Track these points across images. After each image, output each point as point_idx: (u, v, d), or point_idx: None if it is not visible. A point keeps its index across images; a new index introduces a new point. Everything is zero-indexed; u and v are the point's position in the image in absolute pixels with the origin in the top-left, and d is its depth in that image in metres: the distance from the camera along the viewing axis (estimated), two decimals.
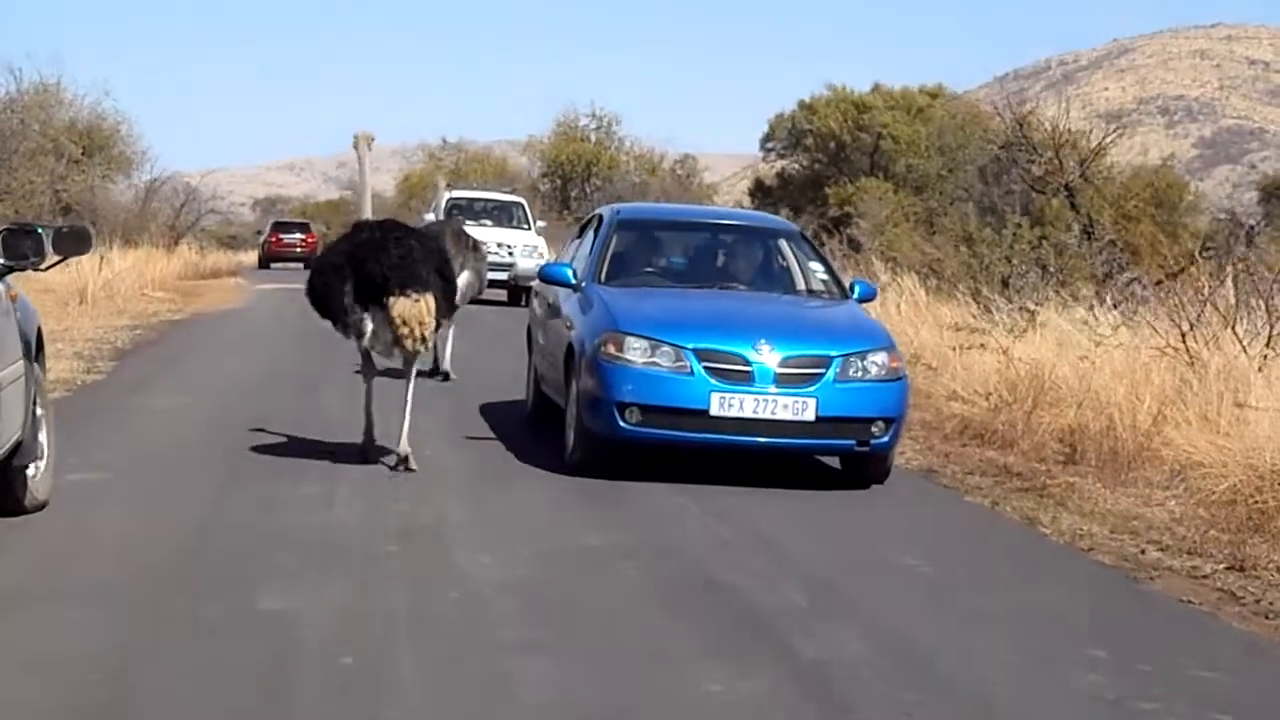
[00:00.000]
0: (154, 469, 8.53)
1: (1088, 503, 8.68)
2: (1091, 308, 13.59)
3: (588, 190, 52.40)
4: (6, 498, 6.87)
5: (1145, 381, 10.38)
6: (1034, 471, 9.58)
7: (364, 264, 8.55)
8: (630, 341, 8.69)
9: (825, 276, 10.29)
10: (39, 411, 7.10)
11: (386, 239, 8.68)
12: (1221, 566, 7.14)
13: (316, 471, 8.55)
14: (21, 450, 6.72)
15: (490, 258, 18.94)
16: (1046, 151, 21.31)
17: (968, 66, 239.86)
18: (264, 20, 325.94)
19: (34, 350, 7.00)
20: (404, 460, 8.66)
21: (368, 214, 9.73)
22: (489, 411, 11.45)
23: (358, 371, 9.25)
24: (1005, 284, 16.21)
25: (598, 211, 11.23)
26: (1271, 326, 10.84)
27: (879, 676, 5.23)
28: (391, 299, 8.48)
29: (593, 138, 55.19)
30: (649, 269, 10.34)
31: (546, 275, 10.30)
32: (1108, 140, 22.83)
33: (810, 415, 8.54)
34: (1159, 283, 14.76)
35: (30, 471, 6.90)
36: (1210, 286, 11.99)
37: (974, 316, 14.65)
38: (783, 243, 10.59)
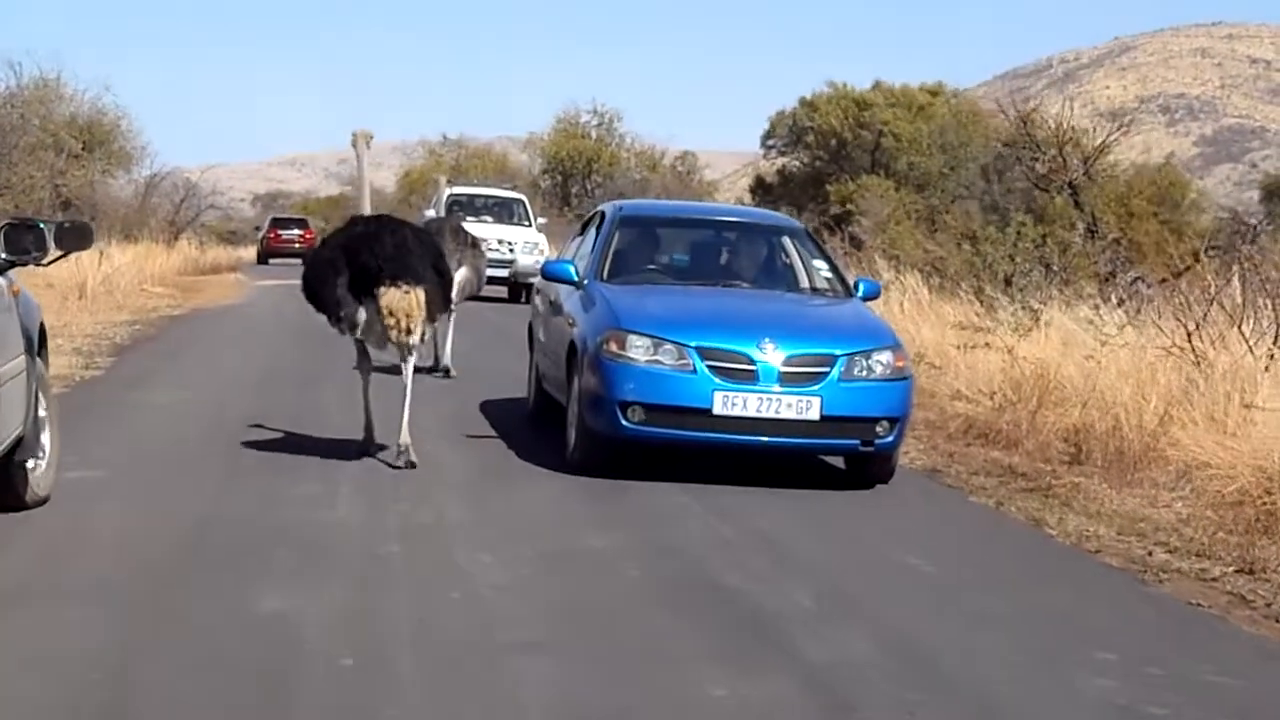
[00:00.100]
0: (153, 465, 8.49)
1: (1094, 504, 8.62)
2: (1097, 307, 13.51)
3: (588, 187, 52.38)
4: (7, 493, 6.83)
5: (1151, 381, 10.31)
6: (1039, 472, 9.51)
7: (358, 255, 8.55)
8: (633, 339, 8.63)
9: (829, 274, 10.22)
10: (42, 407, 7.08)
11: (381, 232, 8.68)
12: (1231, 569, 7.07)
13: (316, 469, 8.50)
14: (23, 446, 6.70)
15: (491, 254, 18.94)
16: (1050, 149, 21.25)
17: (968, 64, 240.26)
18: (266, 16, 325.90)
19: (36, 345, 6.97)
20: (405, 451, 8.63)
21: (367, 211, 9.70)
22: (490, 409, 11.39)
23: (355, 368, 9.21)
24: (1008, 282, 16.15)
25: (600, 208, 11.17)
26: (1279, 326, 10.76)
27: (884, 678, 5.18)
28: (382, 289, 8.48)
29: (593, 134, 55.16)
30: (652, 266, 10.28)
31: (549, 272, 10.23)
32: (1112, 138, 22.77)
33: (814, 414, 8.48)
34: (1163, 281, 14.71)
35: (30, 465, 6.87)
36: (1216, 286, 11.91)
37: (977, 315, 14.58)
38: (786, 240, 10.52)
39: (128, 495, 7.58)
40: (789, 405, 8.45)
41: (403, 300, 8.49)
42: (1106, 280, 16.27)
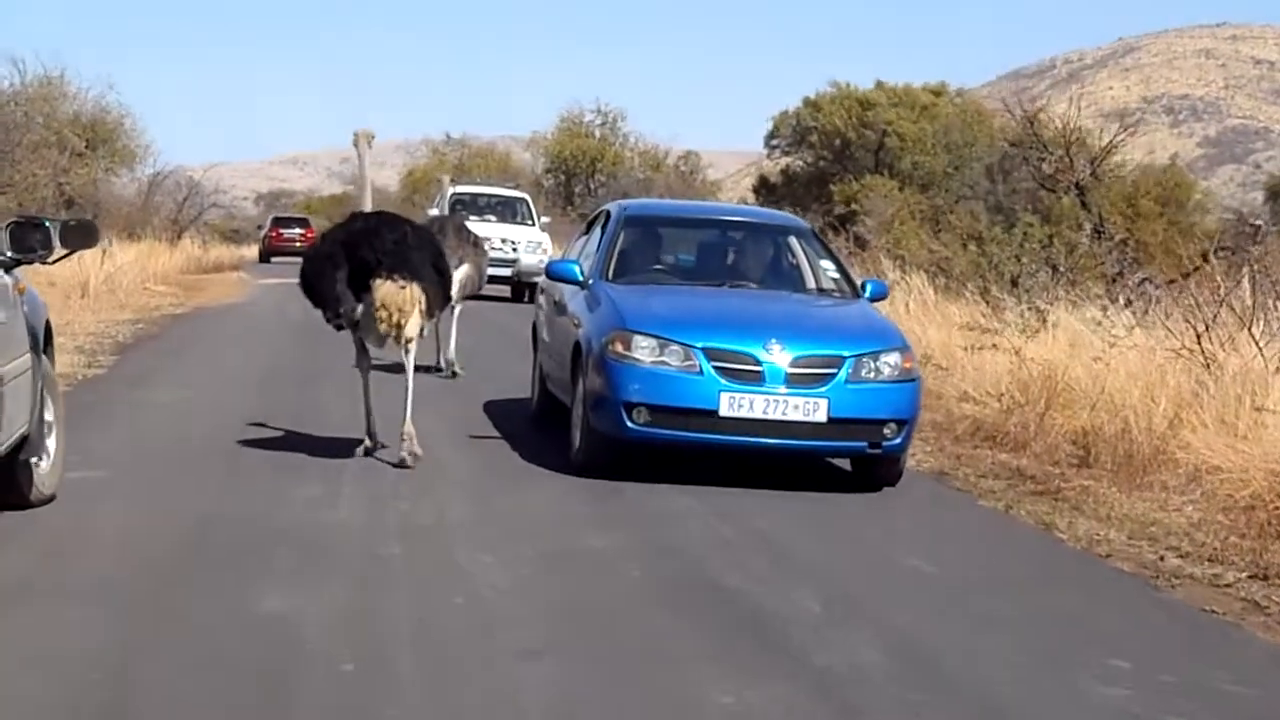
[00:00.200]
0: (155, 464, 8.43)
1: (1103, 507, 8.53)
2: (1104, 308, 13.42)
3: (591, 186, 52.37)
4: (12, 491, 6.79)
5: (1160, 383, 10.21)
6: (1047, 475, 9.43)
7: (357, 250, 8.52)
8: (638, 340, 8.55)
9: (836, 274, 10.14)
10: (50, 405, 7.05)
11: (380, 227, 8.65)
12: (1244, 575, 6.98)
13: (318, 468, 8.44)
14: (28, 444, 6.67)
15: (494, 254, 18.89)
16: (1057, 149, 21.17)
17: (971, 65, 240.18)
18: (269, 15, 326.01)
19: (42, 343, 6.94)
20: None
21: (368, 210, 9.64)
22: (493, 409, 11.32)
23: (355, 366, 9.16)
24: (1014, 283, 16.07)
25: (605, 207, 11.09)
26: None
27: (891, 682, 5.11)
28: (377, 282, 8.43)
29: (597, 134, 55.13)
30: (657, 266, 10.21)
31: (554, 272, 10.15)
32: (1119, 139, 22.68)
33: (821, 416, 8.40)
34: (1171, 282, 14.62)
35: (35, 461, 6.82)
36: (1226, 287, 11.82)
37: (984, 316, 14.50)
38: (793, 240, 10.44)
39: (129, 494, 7.54)
40: (796, 407, 8.37)
41: (397, 295, 8.45)
42: (1114, 281, 16.19)
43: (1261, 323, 11.02)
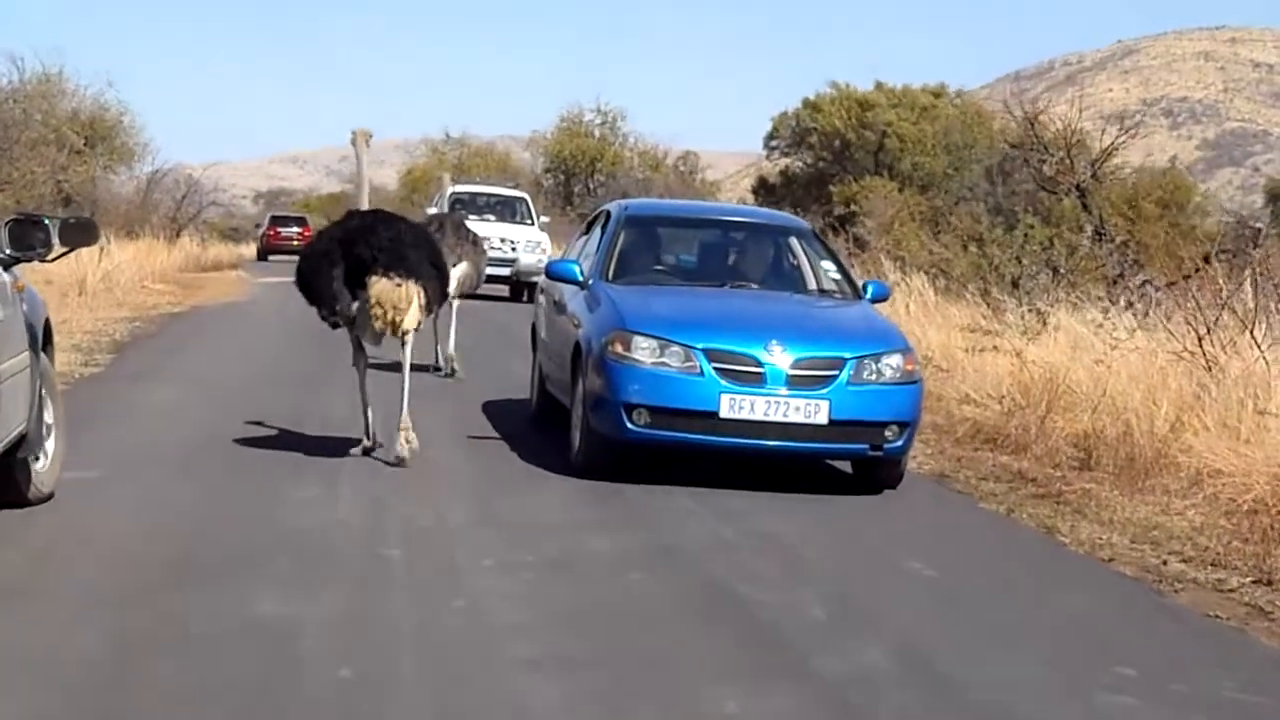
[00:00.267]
0: (152, 465, 8.38)
1: (1106, 511, 8.48)
2: (1106, 310, 13.38)
3: (591, 186, 52.32)
4: (10, 490, 6.75)
5: (1162, 386, 10.17)
6: (1049, 478, 9.38)
7: (353, 247, 8.48)
8: (638, 341, 8.50)
9: (837, 275, 10.10)
10: (49, 404, 7.01)
11: (376, 225, 8.63)
12: (1248, 580, 6.93)
13: (317, 469, 8.40)
14: (26, 442, 6.62)
15: (493, 253, 18.85)
16: (1058, 151, 21.14)
17: (970, 66, 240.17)
18: (269, 12, 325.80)
19: (41, 342, 6.90)
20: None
21: (365, 208, 9.60)
22: (492, 410, 11.28)
23: (352, 364, 9.12)
24: (1015, 285, 16.03)
25: (606, 207, 11.04)
26: None
27: (895, 687, 5.08)
28: (373, 279, 8.40)
29: (597, 133, 55.09)
30: (658, 267, 10.16)
31: (553, 272, 10.10)
32: (1120, 141, 22.65)
33: (823, 418, 8.35)
34: (1172, 284, 14.58)
35: (31, 459, 6.77)
36: (1228, 289, 11.78)
37: (984, 318, 14.46)
38: (794, 240, 10.39)
39: (126, 495, 7.48)
40: (797, 409, 8.33)
41: (393, 292, 8.42)
42: (1115, 283, 16.15)
43: (1263, 325, 10.98)
